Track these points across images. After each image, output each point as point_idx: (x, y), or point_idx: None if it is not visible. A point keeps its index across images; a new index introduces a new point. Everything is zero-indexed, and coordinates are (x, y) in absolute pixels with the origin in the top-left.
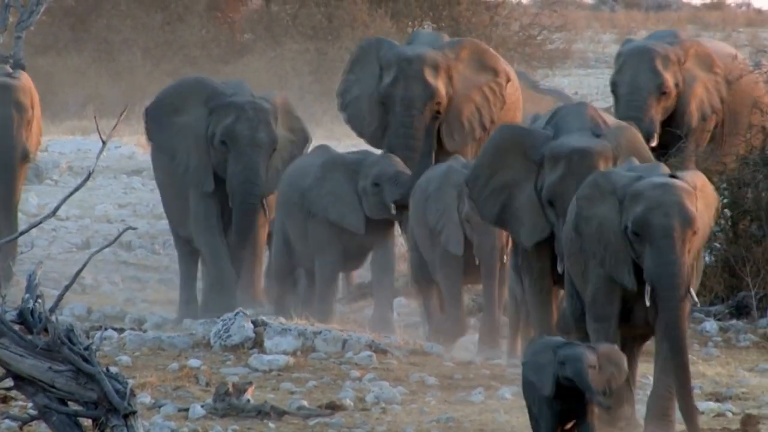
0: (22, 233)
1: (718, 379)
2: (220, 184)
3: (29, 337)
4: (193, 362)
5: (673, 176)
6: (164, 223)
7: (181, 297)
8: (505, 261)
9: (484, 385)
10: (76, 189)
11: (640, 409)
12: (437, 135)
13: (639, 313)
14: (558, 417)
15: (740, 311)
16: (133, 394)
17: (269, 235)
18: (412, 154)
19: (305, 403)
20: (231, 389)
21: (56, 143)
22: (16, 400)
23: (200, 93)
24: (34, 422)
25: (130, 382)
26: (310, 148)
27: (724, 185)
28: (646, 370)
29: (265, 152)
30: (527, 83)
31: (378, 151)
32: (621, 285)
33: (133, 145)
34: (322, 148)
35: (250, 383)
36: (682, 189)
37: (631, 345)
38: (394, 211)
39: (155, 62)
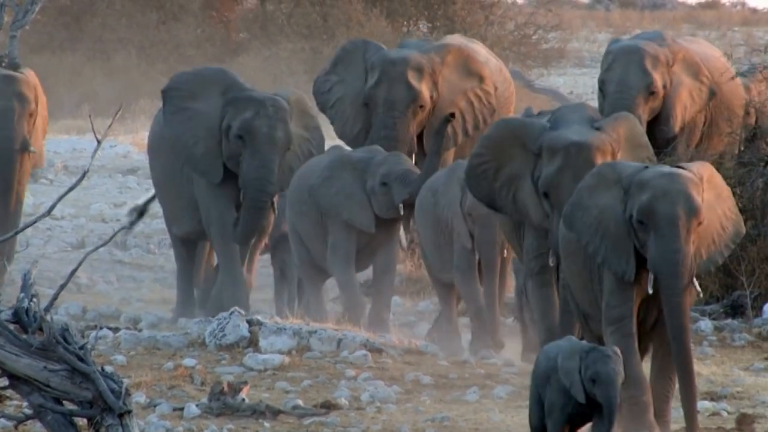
0: (17, 232)
1: (713, 379)
2: (231, 177)
3: (24, 336)
4: (188, 361)
5: (679, 167)
6: (160, 223)
7: (178, 297)
8: (505, 255)
9: (479, 384)
10: (71, 188)
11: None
12: (418, 138)
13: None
14: (568, 419)
15: (735, 310)
16: (128, 394)
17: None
18: None
19: (300, 402)
20: (226, 388)
21: (51, 142)
22: (11, 399)
23: (219, 83)
24: (29, 421)
25: (125, 381)
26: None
27: None
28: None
29: (281, 151)
30: (522, 82)
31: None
32: (620, 276)
33: (129, 145)
34: (336, 149)
35: (245, 382)
36: (688, 179)
37: (645, 345)
38: (402, 211)
39: (150, 61)
